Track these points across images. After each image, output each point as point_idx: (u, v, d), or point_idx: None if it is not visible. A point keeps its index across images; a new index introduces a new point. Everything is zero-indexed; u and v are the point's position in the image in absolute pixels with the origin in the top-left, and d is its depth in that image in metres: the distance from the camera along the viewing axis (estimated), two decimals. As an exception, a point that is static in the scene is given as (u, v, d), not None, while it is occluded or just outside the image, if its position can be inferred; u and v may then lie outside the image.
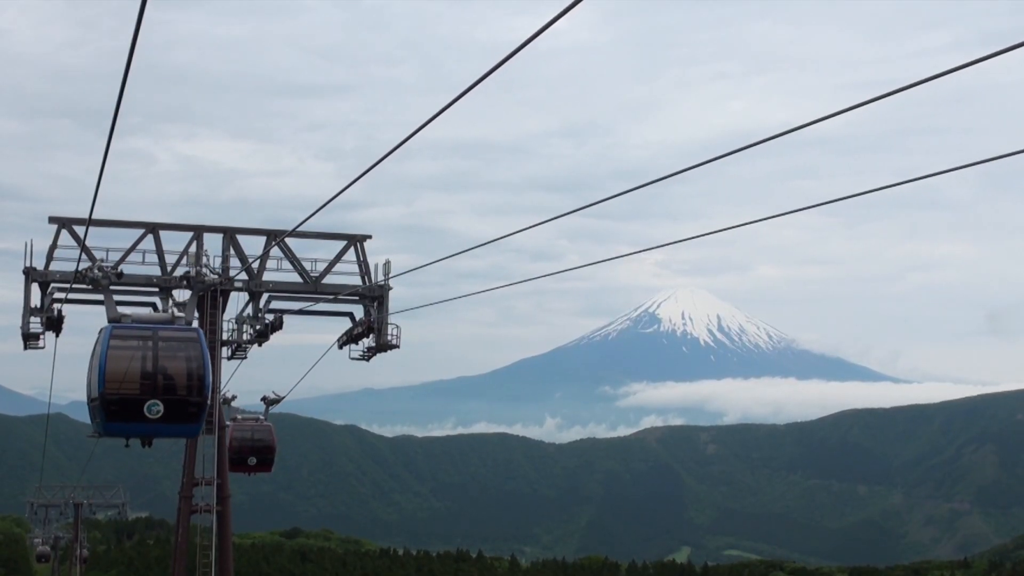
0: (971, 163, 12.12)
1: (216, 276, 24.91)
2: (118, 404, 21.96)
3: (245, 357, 34.47)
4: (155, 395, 22.06)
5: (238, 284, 29.99)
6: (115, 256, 27.21)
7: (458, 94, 11.93)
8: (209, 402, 23.24)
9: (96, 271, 23.18)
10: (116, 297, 30.76)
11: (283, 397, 40.10)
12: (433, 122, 12.75)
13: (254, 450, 38.96)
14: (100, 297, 29.44)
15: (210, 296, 29.70)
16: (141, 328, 22.99)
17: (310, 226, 22.44)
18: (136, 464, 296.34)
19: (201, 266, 27.22)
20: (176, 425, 22.57)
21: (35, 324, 28.00)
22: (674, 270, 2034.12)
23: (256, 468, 39.39)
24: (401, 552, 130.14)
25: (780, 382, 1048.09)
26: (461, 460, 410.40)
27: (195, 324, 25.41)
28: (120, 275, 23.46)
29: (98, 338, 23.05)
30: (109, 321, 23.07)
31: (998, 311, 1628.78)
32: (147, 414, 21.94)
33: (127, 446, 24.34)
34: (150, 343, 22.59)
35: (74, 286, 27.54)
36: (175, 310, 26.33)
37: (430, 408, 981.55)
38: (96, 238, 27.20)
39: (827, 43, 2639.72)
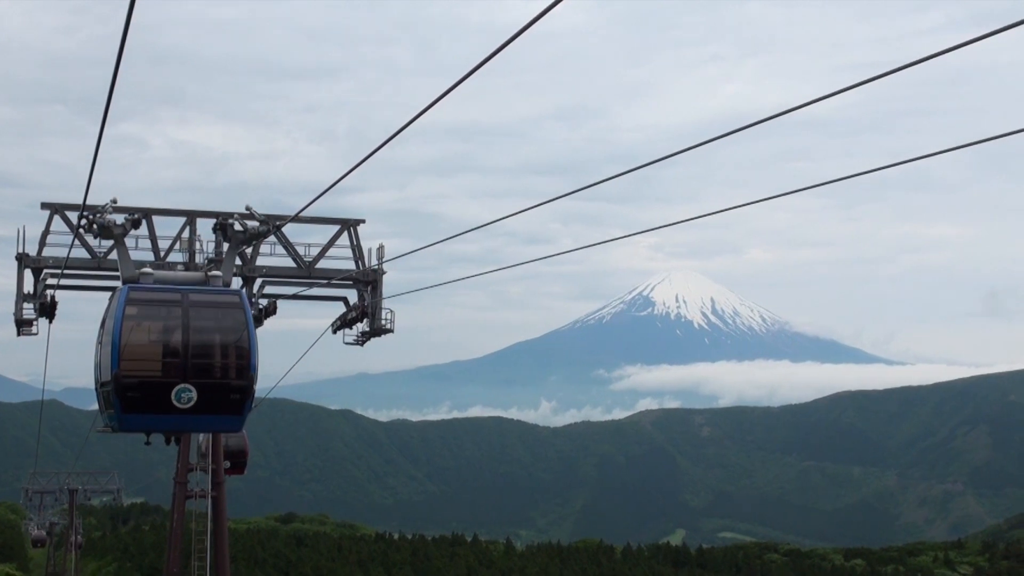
0: (964, 144, 12.10)
1: (263, 225, 20.17)
2: (137, 390, 17.49)
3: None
4: (185, 378, 17.67)
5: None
6: (108, 242, 26.86)
7: (456, 81, 11.86)
8: (256, 386, 18.75)
9: (108, 215, 18.58)
10: (97, 284, 28.35)
11: (255, 406, 40.71)
12: (426, 103, 12.71)
13: (228, 455, 39.43)
14: (94, 283, 28.27)
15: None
16: (167, 290, 18.34)
17: (303, 211, 22.03)
18: (131, 450, 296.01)
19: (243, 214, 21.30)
20: (213, 416, 18.23)
21: (28, 310, 27.59)
22: (668, 253, 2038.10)
23: (230, 471, 40.02)
24: (396, 536, 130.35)
25: (774, 364, 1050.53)
26: (456, 444, 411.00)
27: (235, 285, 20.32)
28: (139, 223, 19.08)
29: (110, 302, 18.63)
30: (124, 281, 18.49)
31: (997, 291, 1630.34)
32: (175, 403, 17.54)
33: (148, 443, 19.42)
34: (179, 309, 18.02)
35: (66, 271, 27.24)
36: (210, 267, 21.28)
37: (425, 392, 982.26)
38: (89, 224, 26.95)
39: (820, 25, 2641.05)
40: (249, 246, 22.95)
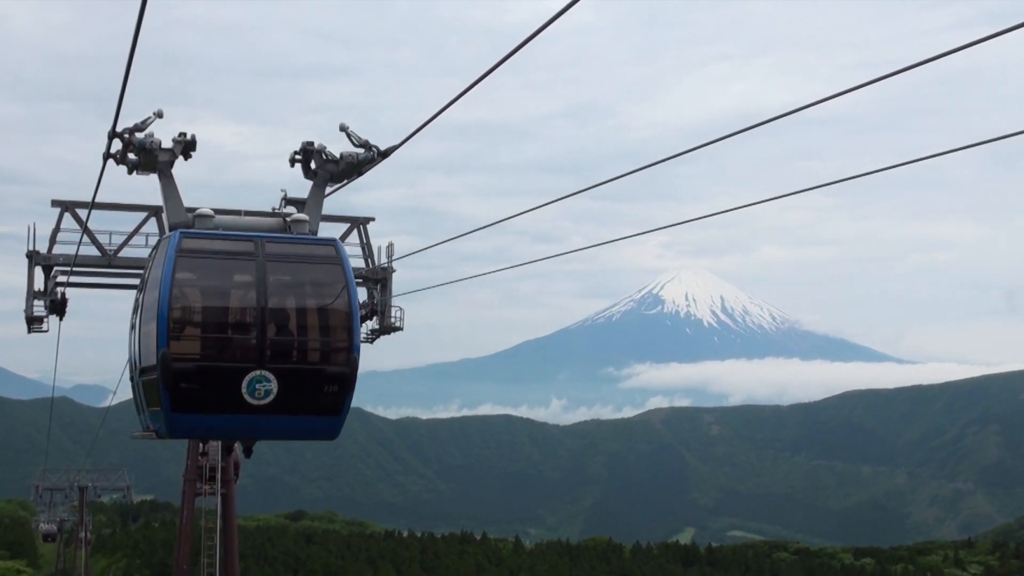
0: (975, 143, 12.06)
1: (368, 150, 14.66)
2: (194, 379, 12.26)
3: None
4: (262, 362, 12.48)
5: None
6: (118, 239, 26.93)
7: (472, 82, 11.90)
8: (358, 373, 13.17)
9: (150, 135, 13.56)
10: (107, 281, 28.29)
11: None
12: (434, 104, 12.73)
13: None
14: (105, 280, 28.42)
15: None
16: (234, 237, 13.25)
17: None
18: (141, 447, 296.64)
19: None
20: (300, 418, 12.83)
21: (39, 308, 27.59)
22: (677, 251, 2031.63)
23: None
24: (406, 534, 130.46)
25: (784, 363, 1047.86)
26: (466, 442, 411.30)
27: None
28: (192, 146, 14.00)
29: (153, 257, 13.60)
30: (172, 228, 13.60)
31: (1014, 289, 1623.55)
32: (247, 398, 12.37)
33: (204, 453, 15.06)
34: (252, 264, 12.83)
35: (76, 268, 27.20)
36: (290, 208, 15.14)
37: (435, 390, 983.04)
38: (98, 221, 26.89)
39: (829, 23, 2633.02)
40: (343, 182, 15.45)
